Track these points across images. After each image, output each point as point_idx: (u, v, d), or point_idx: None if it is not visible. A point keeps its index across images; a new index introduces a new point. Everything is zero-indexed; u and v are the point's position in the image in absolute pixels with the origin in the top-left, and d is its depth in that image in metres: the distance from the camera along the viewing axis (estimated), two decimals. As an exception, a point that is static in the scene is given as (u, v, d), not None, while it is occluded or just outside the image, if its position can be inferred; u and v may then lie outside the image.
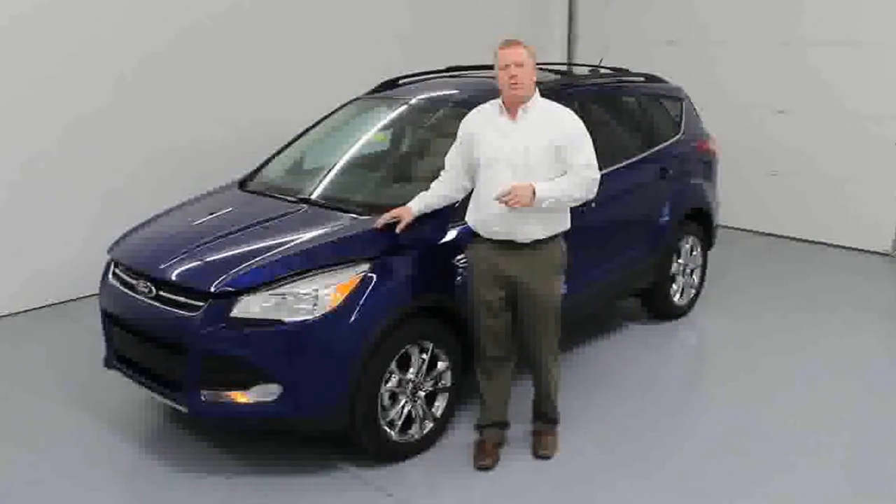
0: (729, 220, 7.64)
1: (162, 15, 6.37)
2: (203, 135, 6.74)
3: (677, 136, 5.89)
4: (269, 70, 7.07)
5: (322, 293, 3.76)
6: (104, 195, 6.30)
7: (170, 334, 3.90)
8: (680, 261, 5.90)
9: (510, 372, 4.17)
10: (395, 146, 5.12)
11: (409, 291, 4.00)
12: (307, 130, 5.40)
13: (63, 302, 6.23)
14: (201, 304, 3.80)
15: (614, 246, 5.30)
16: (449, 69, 5.84)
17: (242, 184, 5.02)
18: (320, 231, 4.13)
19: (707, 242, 6.19)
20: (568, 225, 4.01)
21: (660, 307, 5.88)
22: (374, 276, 3.86)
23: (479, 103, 4.97)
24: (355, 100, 5.49)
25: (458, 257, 4.16)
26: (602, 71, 5.93)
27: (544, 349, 4.04)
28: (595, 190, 3.90)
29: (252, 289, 3.77)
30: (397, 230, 3.99)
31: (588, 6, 9.36)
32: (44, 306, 6.16)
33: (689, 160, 5.95)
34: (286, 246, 3.99)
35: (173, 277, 3.94)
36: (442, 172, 4.10)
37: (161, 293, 3.97)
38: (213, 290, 3.78)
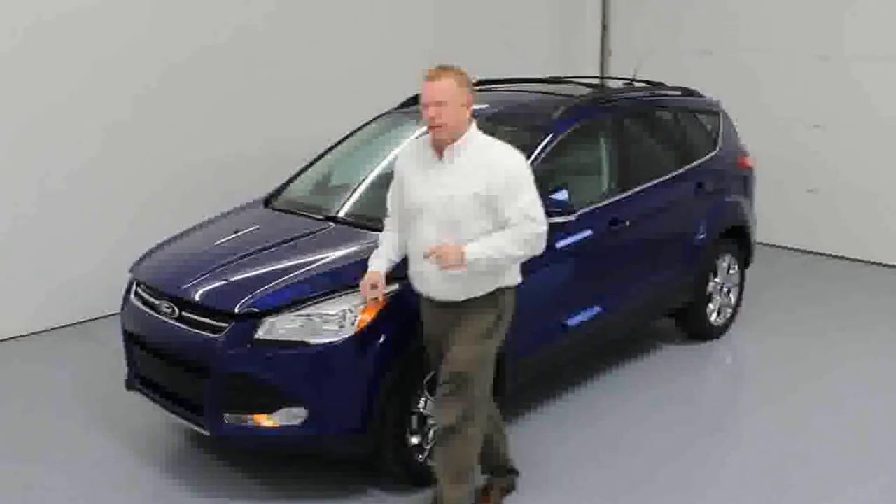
0: (764, 236, 7.43)
1: (187, 28, 6.32)
2: (228, 150, 6.66)
3: (714, 152, 5.72)
4: (295, 85, 6.99)
5: (349, 314, 3.64)
6: (128, 211, 6.23)
7: (193, 356, 3.79)
8: (717, 279, 5.72)
9: (492, 418, 3.72)
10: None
11: None
12: (334, 146, 5.29)
13: (88, 320, 6.15)
14: (225, 325, 3.69)
15: (649, 265, 5.14)
16: (478, 83, 5.70)
17: (267, 201, 4.92)
18: (347, 250, 4.02)
19: (744, 260, 6.00)
20: (515, 279, 3.48)
21: (696, 327, 5.70)
22: (404, 296, 3.73)
23: (511, 119, 4.92)
24: (383, 115, 5.38)
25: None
26: (637, 84, 5.79)
27: (457, 415, 3.37)
28: (542, 245, 3.32)
29: (277, 310, 3.66)
30: (379, 300, 3.57)
31: (621, 19, 9.21)
32: (67, 325, 6.09)
33: (726, 176, 5.78)
34: (312, 265, 3.89)
35: (196, 298, 3.84)
36: (386, 219, 3.70)
37: (184, 314, 3.87)
38: (237, 311, 3.67)
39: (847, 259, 7.74)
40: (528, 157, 4.29)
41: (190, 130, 6.43)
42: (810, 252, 7.95)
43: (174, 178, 6.41)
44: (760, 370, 5.43)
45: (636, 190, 4.98)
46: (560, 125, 4.61)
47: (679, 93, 5.76)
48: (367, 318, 3.65)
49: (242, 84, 6.69)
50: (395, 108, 5.44)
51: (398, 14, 7.62)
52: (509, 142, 4.80)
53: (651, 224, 5.07)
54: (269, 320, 3.64)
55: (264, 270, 3.91)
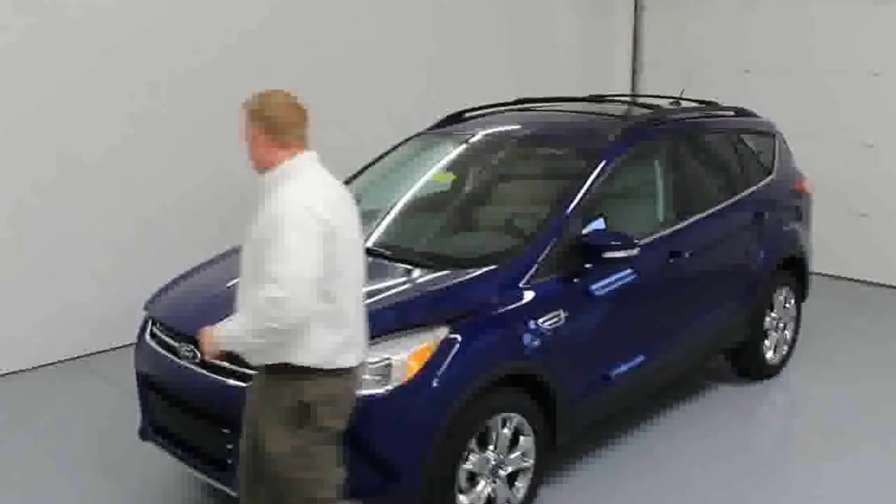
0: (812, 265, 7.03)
1: (196, 43, 5.95)
2: (240, 170, 6.23)
3: (771, 176, 5.33)
4: (318, 103, 6.55)
5: (395, 363, 3.24)
6: (125, 238, 5.75)
7: (217, 406, 3.39)
8: (773, 314, 5.31)
9: None
10: (465, 189, 4.59)
11: (492, 358, 3.47)
12: (363, 170, 4.90)
13: (90, 354, 5.70)
14: (255, 373, 3.29)
15: (707, 301, 4.73)
16: (518, 101, 5.33)
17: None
18: (388, 288, 3.62)
19: (801, 293, 5.59)
20: (322, 359, 2.76)
21: (750, 366, 5.28)
22: (455, 341, 3.33)
23: (559, 142, 4.54)
24: (416, 136, 4.99)
25: (541, 319, 3.64)
26: (686, 104, 5.41)
27: None
28: (279, 315, 2.60)
29: None
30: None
31: (654, 33, 8.83)
32: (68, 359, 5.64)
33: (783, 203, 5.38)
34: None
35: None
36: None
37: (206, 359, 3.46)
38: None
39: (900, 289, 7.33)
40: (583, 185, 3.98)
41: (199, 151, 5.98)
42: (860, 281, 7.53)
43: (184, 198, 5.96)
44: (819, 413, 5.02)
45: (694, 219, 4.59)
46: (615, 149, 4.22)
47: (732, 113, 5.37)
48: (416, 366, 3.25)
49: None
50: (430, 128, 5.06)
51: (428, 32, 7.25)
52: (559, 168, 4.53)
53: (710, 256, 4.68)
54: None
55: None
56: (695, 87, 6.38)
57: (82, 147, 5.45)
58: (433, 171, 4.62)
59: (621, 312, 4.10)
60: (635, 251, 3.81)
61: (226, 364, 3.36)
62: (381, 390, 3.20)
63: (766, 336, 5.27)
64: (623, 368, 4.15)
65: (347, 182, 4.83)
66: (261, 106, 2.80)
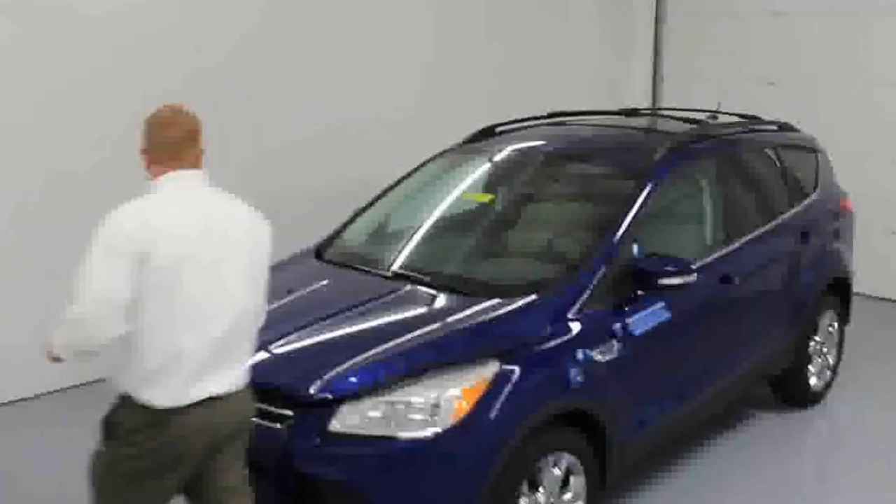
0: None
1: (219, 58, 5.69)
2: (262, 190, 5.96)
3: (814, 195, 5.09)
4: (347, 116, 6.30)
5: (444, 401, 2.98)
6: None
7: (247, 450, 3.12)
8: (817, 338, 5.06)
9: None
10: (502, 209, 4.32)
11: (546, 394, 3.22)
12: (392, 187, 4.64)
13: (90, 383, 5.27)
14: (289, 413, 3.03)
15: (756, 327, 4.47)
16: (550, 115, 5.08)
17: (319, 252, 4.23)
18: (431, 318, 3.37)
19: (844, 316, 5.35)
20: (142, 392, 2.50)
21: (794, 393, 5.03)
22: (507, 377, 3.08)
23: (602, 161, 4.30)
24: (447, 151, 4.74)
25: (595, 352, 3.39)
26: (724, 118, 5.16)
27: None
28: (77, 336, 2.45)
29: (355, 395, 3.00)
30: None
31: (674, 46, 8.61)
32: (70, 387, 5.23)
33: (827, 222, 5.14)
34: (392, 338, 3.23)
35: (255, 378, 3.16)
36: None
37: None
38: (307, 396, 3.01)
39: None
40: (632, 206, 3.73)
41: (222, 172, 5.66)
42: (893, 301, 7.29)
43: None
44: (867, 443, 4.74)
45: (743, 241, 4.35)
46: (664, 167, 3.98)
47: (775, 127, 5.13)
48: (467, 405, 2.99)
49: (289, 117, 6.02)
50: (461, 144, 4.80)
51: (447, 47, 6.98)
52: (604, 187, 4.26)
53: (759, 281, 4.45)
54: (345, 408, 2.98)
55: (334, 344, 3.27)
56: (717, 100, 6.16)
57: (74, 161, 5.07)
58: (466, 190, 4.36)
59: (673, 342, 3.85)
60: (693, 277, 3.57)
61: (259, 404, 3.10)
62: (428, 432, 2.94)
63: (809, 361, 5.03)
64: (675, 400, 3.91)
65: (372, 202, 4.59)
66: (145, 122, 2.70)
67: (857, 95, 7.24)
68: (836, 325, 5.25)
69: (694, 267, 3.64)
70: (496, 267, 3.89)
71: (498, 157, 4.47)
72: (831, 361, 5.27)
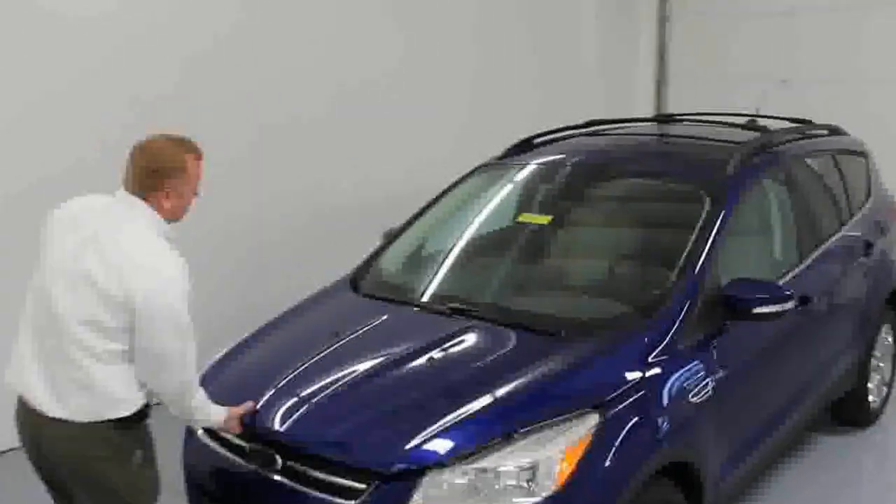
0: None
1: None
2: (295, 205, 5.58)
3: (870, 202, 4.79)
4: (383, 128, 5.95)
5: (543, 464, 2.59)
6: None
7: None
8: (876, 353, 4.77)
9: None
10: (566, 232, 3.91)
11: (650, 447, 2.84)
12: (428, 207, 4.22)
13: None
14: (362, 486, 2.62)
15: (826, 350, 4.14)
16: (589, 124, 4.71)
17: (355, 282, 3.80)
18: (511, 364, 2.97)
19: (897, 327, 5.07)
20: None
21: (852, 412, 4.73)
22: (608, 429, 2.70)
23: (665, 176, 3.91)
24: (484, 167, 4.34)
25: (691, 394, 3.03)
26: (766, 121, 4.83)
27: None
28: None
29: (441, 463, 2.59)
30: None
31: (680, 45, 8.31)
32: None
33: (883, 230, 4.84)
34: (473, 393, 2.82)
35: (315, 446, 2.75)
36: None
37: (292, 465, 2.77)
38: (386, 467, 2.60)
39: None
40: (713, 227, 3.38)
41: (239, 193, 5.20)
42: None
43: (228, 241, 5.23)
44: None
45: (815, 256, 4.02)
46: (741, 182, 3.63)
47: (826, 132, 4.82)
48: (568, 468, 2.60)
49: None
50: (499, 158, 4.40)
51: (451, 49, 6.59)
52: (675, 205, 3.80)
53: (833, 298, 4.13)
54: (429, 479, 2.57)
55: (405, 403, 2.85)
56: (728, 100, 5.86)
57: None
58: (517, 210, 3.96)
59: (761, 371, 3.52)
60: (791, 304, 3.22)
61: (318, 474, 2.68)
62: (530, 501, 2.54)
63: (869, 379, 4.73)
64: (763, 433, 3.58)
65: (407, 225, 4.16)
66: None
67: (875, 93, 6.98)
68: (891, 338, 4.97)
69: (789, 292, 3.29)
70: (569, 300, 3.48)
71: (545, 172, 4.08)
72: (886, 376, 4.99)
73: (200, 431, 3.11)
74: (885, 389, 4.97)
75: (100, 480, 2.60)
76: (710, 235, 3.34)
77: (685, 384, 3.02)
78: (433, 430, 2.66)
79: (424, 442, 2.63)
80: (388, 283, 3.77)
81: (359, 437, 2.74)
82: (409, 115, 6.20)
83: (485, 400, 2.78)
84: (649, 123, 4.83)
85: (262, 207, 5.39)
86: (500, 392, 2.81)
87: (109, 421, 2.56)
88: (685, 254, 3.31)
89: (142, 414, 2.64)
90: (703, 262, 3.26)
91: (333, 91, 5.71)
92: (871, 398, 4.78)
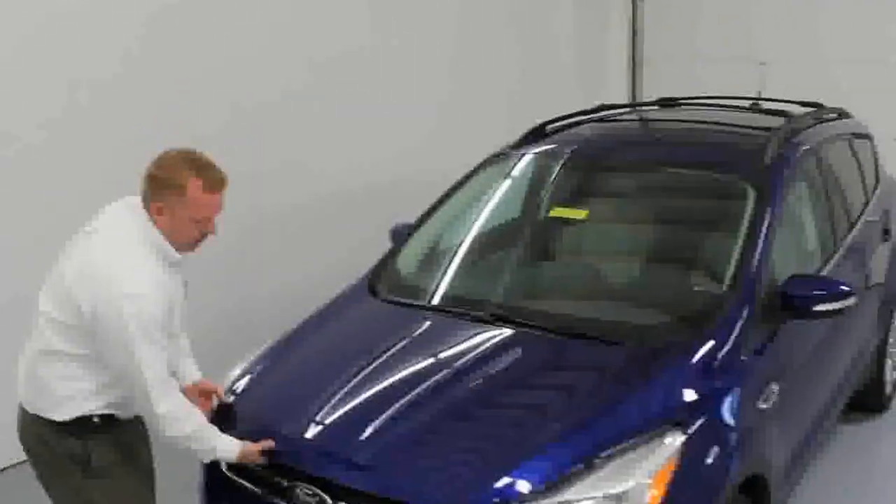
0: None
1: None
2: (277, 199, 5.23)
3: (880, 185, 4.70)
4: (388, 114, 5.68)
5: (634, 492, 2.37)
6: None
7: None
8: (890, 339, 4.70)
9: None
10: (604, 227, 3.67)
11: (731, 463, 2.65)
12: (441, 201, 3.93)
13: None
14: None
15: (855, 339, 4.02)
16: (600, 108, 4.48)
17: (374, 288, 3.48)
18: (578, 380, 2.75)
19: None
20: None
21: (870, 399, 4.64)
22: (692, 449, 2.50)
23: (688, 159, 3.74)
24: (497, 157, 4.06)
25: (759, 401, 2.85)
26: (766, 105, 4.68)
27: None
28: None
29: (526, 497, 2.34)
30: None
31: (654, 27, 8.13)
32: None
33: (892, 214, 4.76)
34: (544, 416, 2.60)
35: (375, 487, 2.46)
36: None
37: None
38: None
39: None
40: (763, 220, 3.20)
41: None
42: None
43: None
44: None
45: (847, 245, 3.90)
46: (782, 170, 3.45)
47: (836, 115, 4.69)
48: (658, 494, 2.39)
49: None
50: (511, 147, 4.13)
51: (423, 28, 6.29)
52: (717, 197, 3.61)
53: (862, 286, 4.00)
54: None
55: (468, 430, 2.62)
56: (704, 82, 5.69)
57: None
58: (545, 204, 3.70)
59: (813, 369, 3.37)
60: (852, 300, 3.06)
61: None
62: (622, 534, 2.33)
63: (885, 364, 4.67)
64: (815, 431, 3.45)
65: (425, 218, 3.88)
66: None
67: (858, 74, 6.92)
68: (899, 321, 4.91)
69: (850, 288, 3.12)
70: (620, 305, 3.24)
71: (569, 163, 3.82)
72: (896, 360, 4.94)
73: (223, 464, 2.78)
74: (894, 374, 4.92)
75: (44, 481, 2.58)
76: (762, 230, 3.16)
77: (755, 392, 2.84)
78: (510, 464, 2.41)
79: (503, 477, 2.38)
80: (414, 287, 3.49)
81: (428, 477, 2.46)
82: (387, 98, 5.92)
83: (558, 424, 2.55)
84: (657, 109, 4.61)
85: (235, 192, 5.00)
86: (573, 413, 2.58)
87: (49, 421, 2.45)
88: (739, 251, 3.11)
89: (90, 424, 2.47)
90: (758, 260, 3.08)
91: (309, 72, 5.37)
92: (886, 385, 4.72)
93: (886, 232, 4.45)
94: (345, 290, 3.57)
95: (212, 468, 2.78)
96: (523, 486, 2.35)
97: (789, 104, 4.65)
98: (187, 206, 2.42)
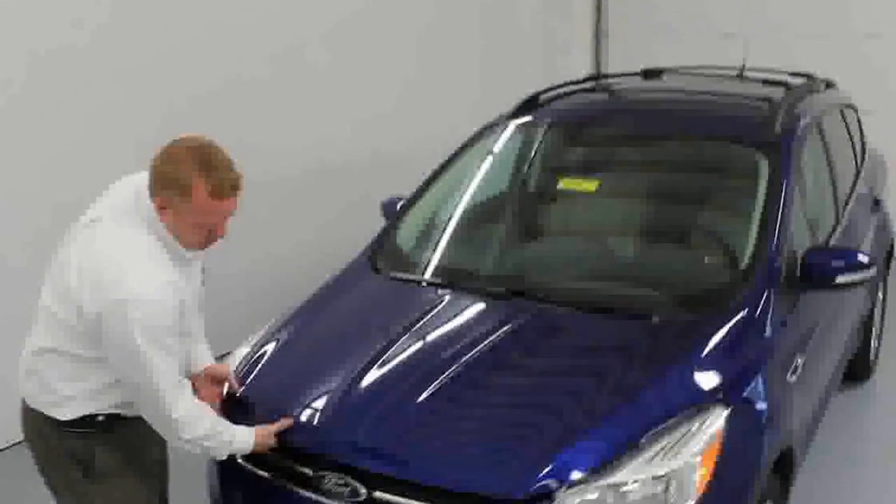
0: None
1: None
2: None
3: (867, 156, 4.71)
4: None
5: (683, 472, 2.28)
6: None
7: None
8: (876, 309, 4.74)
9: None
10: (615, 199, 3.55)
11: (770, 438, 2.60)
12: (439, 173, 3.76)
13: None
14: None
15: (852, 306, 4.02)
16: (589, 78, 4.37)
17: (376, 265, 3.32)
18: (612, 356, 2.65)
19: (886, 280, 5.06)
20: None
21: (858, 367, 4.66)
22: (735, 424, 2.43)
23: (696, 128, 3.64)
24: (492, 127, 3.89)
25: (789, 373, 2.80)
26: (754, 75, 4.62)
27: None
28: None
29: (572, 482, 2.24)
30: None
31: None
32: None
33: (880, 185, 4.78)
34: (582, 395, 2.49)
35: (412, 471, 2.33)
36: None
37: (380, 495, 2.35)
38: (514, 494, 2.21)
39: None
40: (781, 190, 3.14)
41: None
42: None
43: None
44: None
45: (847, 215, 3.89)
46: (793, 140, 3.38)
47: (825, 85, 4.66)
48: (707, 472, 2.32)
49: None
50: (506, 118, 3.99)
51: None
52: (730, 167, 3.55)
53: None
54: (564, 495, 2.22)
55: (505, 411, 2.50)
56: (669, 54, 5.60)
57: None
58: (550, 176, 3.58)
59: (826, 338, 3.34)
60: (872, 271, 3.03)
61: None
62: (672, 518, 2.24)
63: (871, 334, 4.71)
64: (821, 407, 3.43)
65: (422, 192, 3.72)
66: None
67: (825, 47, 6.94)
68: (881, 293, 4.94)
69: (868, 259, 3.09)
70: (641, 280, 3.13)
71: (572, 134, 3.72)
72: (878, 330, 4.99)
73: (238, 455, 2.60)
74: (876, 342, 4.98)
75: (45, 476, 2.44)
76: (781, 202, 3.09)
77: (785, 364, 2.80)
78: (557, 447, 2.30)
79: (551, 462, 2.26)
80: (422, 263, 3.32)
81: (469, 459, 2.33)
82: (352, 73, 5.73)
83: (600, 404, 2.44)
84: (641, 80, 4.50)
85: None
86: (614, 392, 2.48)
87: (51, 419, 2.30)
88: (759, 223, 3.04)
89: (95, 424, 2.31)
90: (780, 231, 3.01)
91: (271, 49, 5.13)
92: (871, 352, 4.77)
93: (877, 203, 4.46)
94: (346, 267, 3.40)
95: (226, 460, 2.60)
96: (572, 471, 2.25)
97: (778, 74, 4.62)
98: (191, 210, 2.18)
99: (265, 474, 2.53)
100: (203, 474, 2.79)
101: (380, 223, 3.88)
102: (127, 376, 2.21)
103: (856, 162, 4.47)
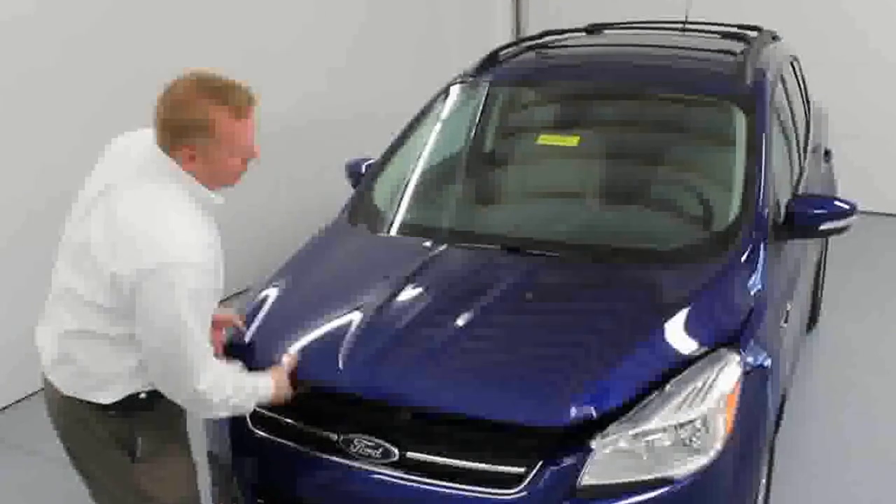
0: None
1: None
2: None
3: (812, 106, 4.81)
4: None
5: (709, 417, 2.27)
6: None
7: None
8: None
9: None
10: (595, 153, 3.48)
11: (777, 385, 2.64)
12: (409, 131, 3.64)
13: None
14: (519, 469, 2.16)
15: (813, 257, 4.12)
16: (544, 34, 4.29)
17: (356, 222, 3.22)
18: (617, 302, 2.62)
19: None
20: None
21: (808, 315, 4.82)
22: (749, 371, 2.44)
23: (666, 81, 3.61)
24: (458, 83, 3.78)
25: (783, 320, 2.85)
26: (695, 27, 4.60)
27: None
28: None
29: (606, 421, 2.21)
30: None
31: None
32: None
33: (823, 135, 4.90)
34: (597, 337, 2.46)
35: (450, 405, 2.25)
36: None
37: (413, 455, 2.26)
38: (556, 423, 2.17)
39: None
40: (762, 140, 3.17)
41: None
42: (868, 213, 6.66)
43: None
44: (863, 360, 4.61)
45: (806, 166, 3.96)
46: (763, 93, 3.39)
47: (772, 38, 4.71)
48: (730, 418, 2.31)
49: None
50: (470, 75, 3.87)
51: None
52: (704, 120, 3.54)
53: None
54: (595, 453, 2.18)
55: (527, 351, 2.42)
56: (589, 12, 5.49)
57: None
58: (525, 131, 3.51)
59: (797, 288, 3.39)
60: (854, 218, 3.09)
61: (459, 462, 2.21)
62: (705, 461, 2.23)
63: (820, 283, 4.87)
64: (796, 354, 3.50)
65: (392, 151, 3.59)
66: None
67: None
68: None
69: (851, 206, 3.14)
70: (630, 231, 3.11)
71: (544, 90, 3.65)
72: (822, 281, 5.15)
73: (248, 422, 2.47)
74: (820, 293, 5.14)
75: (81, 468, 2.28)
76: (762, 151, 3.11)
77: (779, 311, 2.83)
78: (591, 376, 2.29)
79: (589, 387, 2.25)
80: (403, 220, 3.23)
81: (507, 389, 2.27)
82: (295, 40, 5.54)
83: (621, 340, 2.42)
84: (587, 35, 4.44)
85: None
86: (632, 332, 2.45)
87: (92, 404, 2.14)
88: (745, 172, 3.05)
89: (137, 402, 2.16)
90: (764, 180, 3.03)
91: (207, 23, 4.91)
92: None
93: (827, 153, 4.57)
94: (323, 227, 3.26)
95: (236, 426, 2.48)
96: (610, 401, 2.24)
97: (721, 27, 4.62)
98: (221, 143, 2.03)
99: (287, 442, 2.40)
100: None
101: (344, 185, 3.76)
102: (155, 349, 2.04)
103: (806, 113, 4.56)
